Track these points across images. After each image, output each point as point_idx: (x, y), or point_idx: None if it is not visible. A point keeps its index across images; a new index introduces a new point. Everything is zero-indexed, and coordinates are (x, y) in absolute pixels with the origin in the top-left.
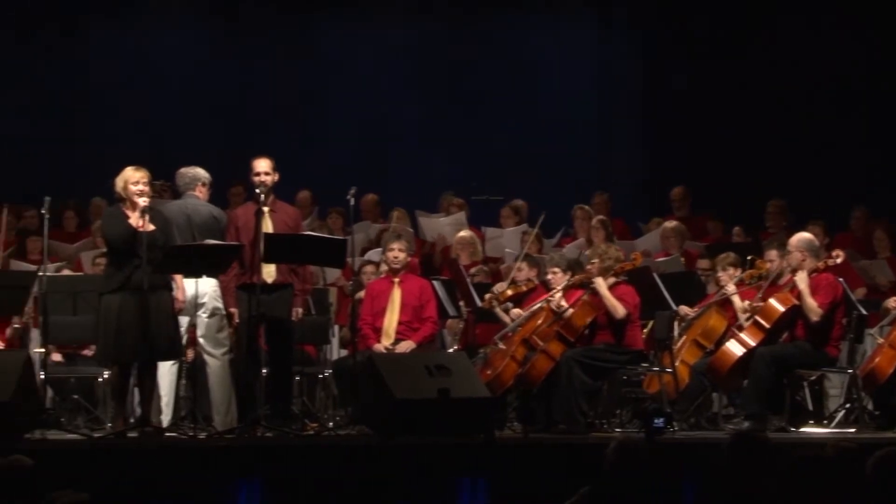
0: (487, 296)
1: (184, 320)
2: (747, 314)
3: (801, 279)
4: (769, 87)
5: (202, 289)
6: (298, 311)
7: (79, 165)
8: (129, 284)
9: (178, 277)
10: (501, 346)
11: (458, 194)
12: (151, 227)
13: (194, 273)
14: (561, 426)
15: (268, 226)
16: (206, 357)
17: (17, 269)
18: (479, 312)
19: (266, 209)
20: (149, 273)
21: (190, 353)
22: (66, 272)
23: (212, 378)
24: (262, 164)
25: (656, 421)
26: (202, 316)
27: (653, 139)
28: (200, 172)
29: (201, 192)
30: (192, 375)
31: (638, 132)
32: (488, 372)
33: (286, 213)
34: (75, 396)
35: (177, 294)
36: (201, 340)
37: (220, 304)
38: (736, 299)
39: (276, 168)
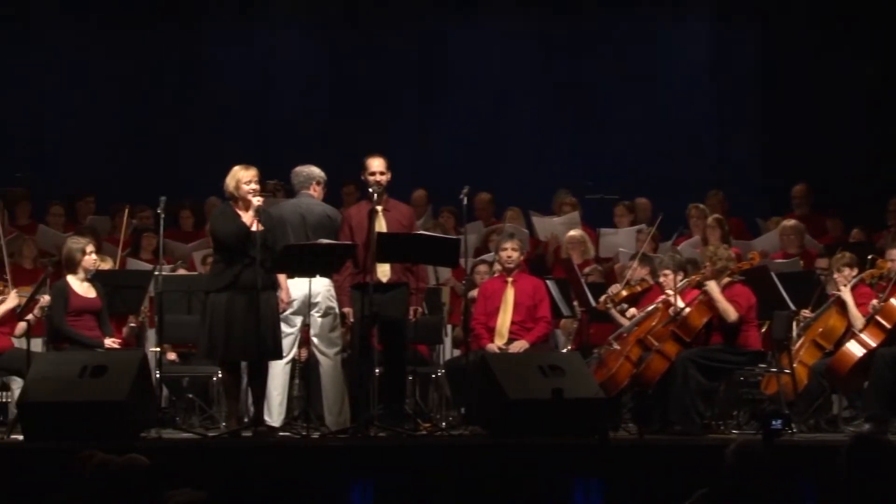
0: (602, 298)
1: (297, 320)
2: (865, 317)
3: None
4: (892, 82)
5: (315, 288)
6: (418, 310)
7: (195, 164)
8: (238, 283)
9: (282, 278)
10: (616, 346)
11: (571, 193)
12: (261, 228)
13: (308, 272)
14: (676, 427)
15: (381, 225)
16: (319, 356)
17: (134, 268)
18: (593, 312)
19: (380, 208)
20: (261, 273)
21: (303, 353)
22: (181, 271)
23: (325, 378)
24: (376, 163)
25: (774, 423)
26: (315, 315)
27: (771, 135)
28: (315, 171)
29: (316, 191)
30: (305, 375)
31: (756, 127)
32: (603, 372)
33: (400, 212)
34: (190, 395)
35: (281, 295)
36: (314, 340)
37: (333, 304)
38: (849, 302)
39: (391, 166)
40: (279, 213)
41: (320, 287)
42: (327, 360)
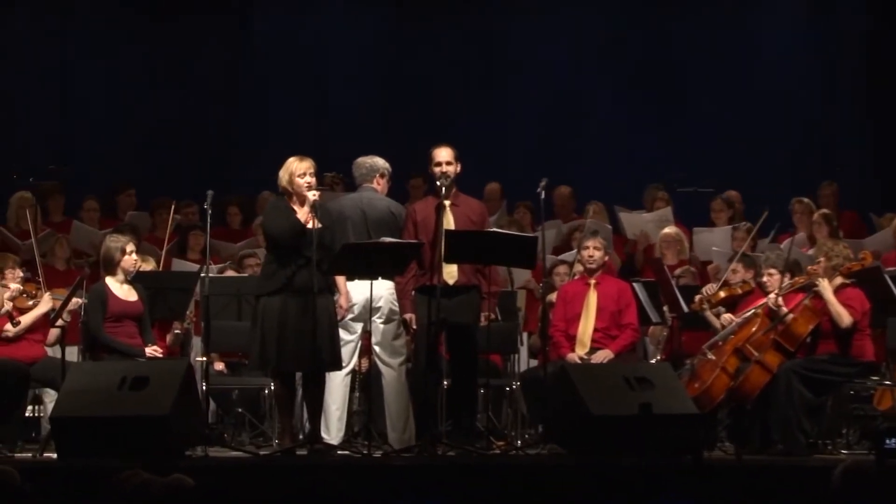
0: (697, 298)
1: (356, 326)
2: None
3: None
4: None
5: (377, 292)
6: (490, 316)
7: (245, 156)
8: (291, 286)
9: (341, 281)
10: (711, 356)
11: (663, 187)
12: (319, 225)
13: (368, 274)
14: (778, 446)
15: (449, 221)
16: (381, 367)
17: (178, 269)
18: (685, 318)
19: (447, 203)
20: (318, 275)
21: (363, 363)
22: (230, 273)
23: (387, 390)
24: (443, 153)
25: (888, 442)
26: (377, 321)
27: (884, 120)
28: (379, 162)
29: (379, 185)
30: (366, 387)
31: (863, 106)
32: (696, 385)
33: (470, 207)
34: (239, 410)
35: (340, 300)
36: (376, 349)
37: (396, 309)
38: None
39: (460, 158)
40: (339, 209)
41: (382, 290)
42: (390, 370)
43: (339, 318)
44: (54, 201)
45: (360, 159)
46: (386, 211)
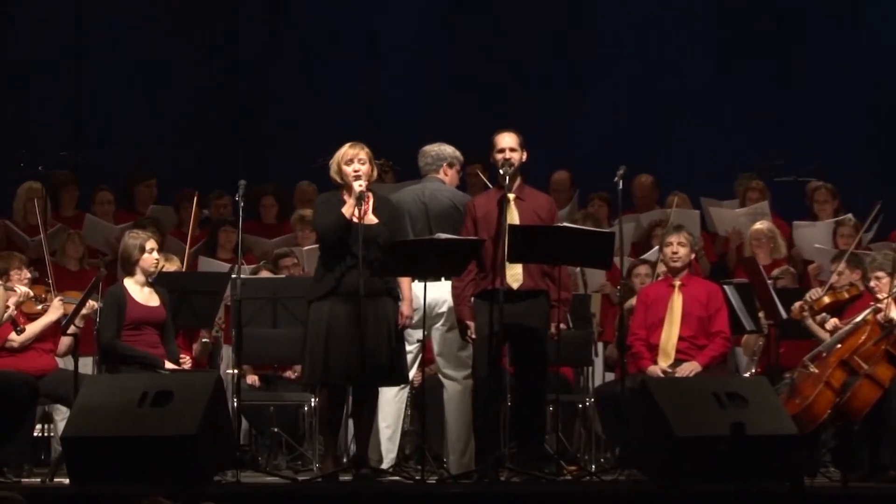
0: (798, 304)
1: (415, 334)
2: None
3: None
4: None
5: (440, 295)
6: (560, 325)
7: (282, 141)
8: (341, 289)
9: (405, 283)
10: (813, 368)
11: (758, 175)
12: (374, 220)
13: (421, 275)
14: (891, 473)
15: (514, 217)
16: (444, 380)
17: (206, 269)
18: (784, 326)
19: (512, 196)
20: (367, 276)
21: (416, 376)
22: (265, 274)
23: (450, 406)
24: (507, 139)
25: None
26: (440, 329)
27: None
28: (447, 150)
29: (447, 175)
30: (419, 404)
31: None
32: (796, 402)
33: (537, 201)
34: (275, 429)
35: (402, 307)
36: (439, 359)
37: None
38: None
39: (525, 144)
40: (399, 201)
41: (446, 293)
42: (454, 384)
43: (400, 325)
44: (67, 193)
45: (427, 147)
46: (449, 204)
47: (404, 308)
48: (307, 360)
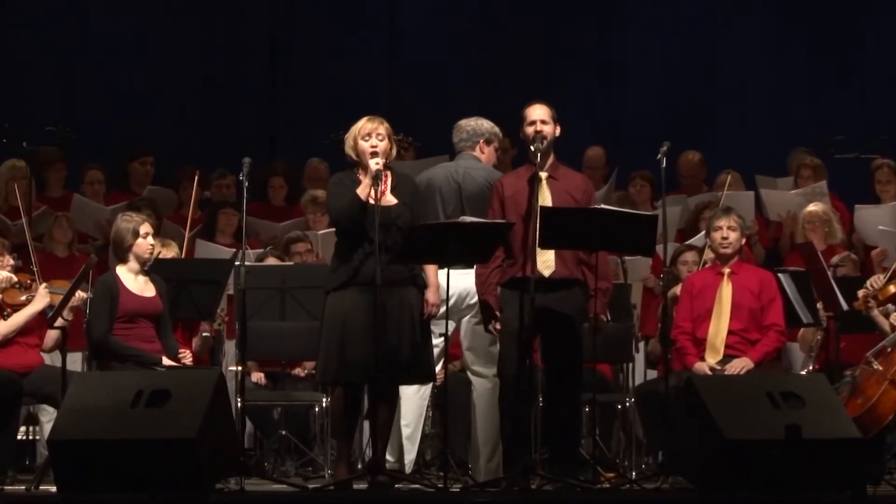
0: (861, 293)
1: (443, 326)
2: None
3: None
4: None
5: (470, 284)
6: (598, 317)
7: (291, 115)
8: (359, 278)
9: (431, 271)
10: (877, 365)
11: (814, 152)
12: (393, 200)
13: (447, 262)
14: None
15: (545, 197)
16: (472, 378)
17: (207, 255)
18: (845, 318)
19: (544, 174)
20: (385, 263)
21: (439, 374)
22: (272, 261)
23: (479, 406)
24: (538, 111)
25: None
26: (469, 321)
27: None
28: (484, 125)
29: (484, 152)
30: (441, 403)
31: None
32: (858, 402)
33: (571, 180)
34: (283, 432)
35: (428, 294)
36: (468, 354)
37: None
38: None
39: (558, 118)
40: (429, 180)
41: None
42: (484, 382)
43: (425, 316)
44: (54, 172)
45: (462, 122)
46: (484, 184)
47: (430, 295)
48: (321, 356)
